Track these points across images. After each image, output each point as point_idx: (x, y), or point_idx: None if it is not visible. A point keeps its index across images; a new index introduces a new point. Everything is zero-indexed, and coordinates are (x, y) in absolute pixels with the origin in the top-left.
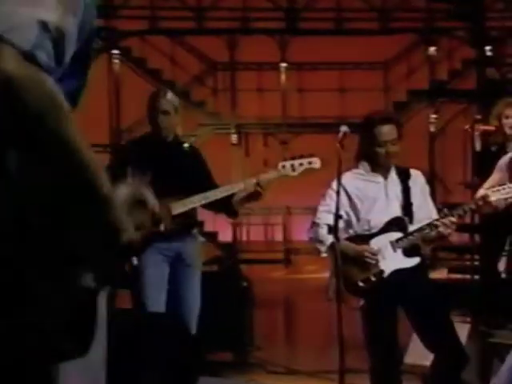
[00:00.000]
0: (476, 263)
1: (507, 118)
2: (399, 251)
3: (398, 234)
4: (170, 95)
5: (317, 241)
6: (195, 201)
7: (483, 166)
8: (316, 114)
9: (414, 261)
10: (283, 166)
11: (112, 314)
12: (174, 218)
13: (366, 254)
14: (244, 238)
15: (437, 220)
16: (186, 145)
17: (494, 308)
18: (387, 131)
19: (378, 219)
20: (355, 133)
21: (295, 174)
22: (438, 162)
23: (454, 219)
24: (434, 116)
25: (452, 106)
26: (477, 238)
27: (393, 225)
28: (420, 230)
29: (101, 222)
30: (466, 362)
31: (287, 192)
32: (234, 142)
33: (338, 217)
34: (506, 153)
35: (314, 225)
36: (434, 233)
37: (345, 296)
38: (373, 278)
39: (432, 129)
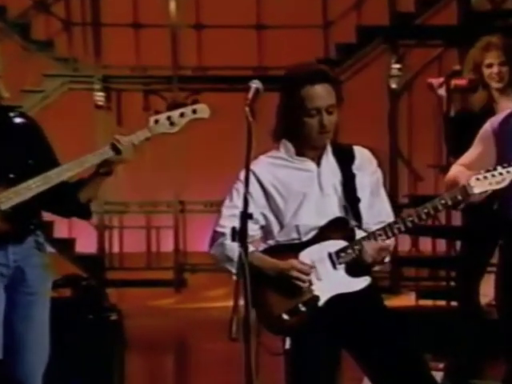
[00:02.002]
0: (454, 283)
1: (489, 66)
2: (341, 268)
3: (340, 244)
4: None
5: (223, 258)
6: (32, 186)
7: (462, 139)
8: (221, 64)
9: (363, 282)
10: (156, 121)
11: None
12: (3, 218)
13: (294, 272)
14: (115, 248)
15: (380, 229)
16: (13, 113)
17: (476, 349)
18: (320, 93)
19: (310, 223)
20: (277, 91)
21: (175, 129)
22: (403, 135)
23: (383, 245)
24: (396, 66)
25: (422, 50)
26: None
27: (331, 230)
28: (369, 237)
29: None
30: None
31: (180, 180)
32: (100, 103)
33: (245, 216)
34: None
35: (218, 235)
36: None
37: (260, 335)
38: (303, 309)
39: (393, 85)
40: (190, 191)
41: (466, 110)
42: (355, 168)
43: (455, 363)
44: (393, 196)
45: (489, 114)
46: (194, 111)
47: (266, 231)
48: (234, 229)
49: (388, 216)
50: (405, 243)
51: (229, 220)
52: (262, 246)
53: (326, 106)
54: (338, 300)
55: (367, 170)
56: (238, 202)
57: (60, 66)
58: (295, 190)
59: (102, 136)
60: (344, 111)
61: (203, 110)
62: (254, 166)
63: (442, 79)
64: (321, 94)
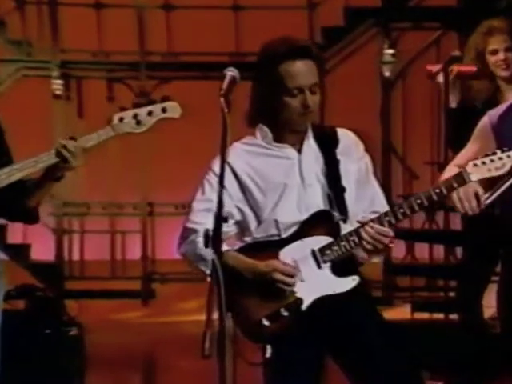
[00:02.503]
0: (453, 294)
1: (494, 52)
2: (326, 267)
3: (324, 240)
4: None
5: (195, 258)
6: None
7: (463, 133)
8: (193, 49)
9: (351, 282)
10: (121, 119)
11: None
12: None
13: (276, 275)
14: (75, 255)
15: (361, 226)
16: None
17: (478, 367)
18: (303, 71)
19: (291, 217)
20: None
21: (142, 129)
22: (397, 128)
23: (384, 230)
24: (389, 52)
25: (418, 34)
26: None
27: (314, 225)
28: (356, 231)
29: None
30: None
31: (148, 179)
32: (58, 92)
33: (220, 219)
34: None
35: (189, 232)
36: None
37: (237, 345)
38: (285, 313)
39: (386, 72)
40: (159, 191)
41: (468, 101)
42: (339, 153)
43: (455, 382)
44: (386, 196)
45: (492, 107)
46: (164, 110)
47: (242, 227)
48: (207, 233)
49: (382, 206)
50: (399, 249)
51: (201, 215)
52: (238, 244)
53: (309, 85)
54: (323, 303)
55: (353, 155)
56: (212, 194)
57: (12, 49)
58: (274, 180)
59: (61, 129)
60: (331, 102)
61: (174, 109)
62: (228, 155)
63: (440, 66)
64: (303, 71)
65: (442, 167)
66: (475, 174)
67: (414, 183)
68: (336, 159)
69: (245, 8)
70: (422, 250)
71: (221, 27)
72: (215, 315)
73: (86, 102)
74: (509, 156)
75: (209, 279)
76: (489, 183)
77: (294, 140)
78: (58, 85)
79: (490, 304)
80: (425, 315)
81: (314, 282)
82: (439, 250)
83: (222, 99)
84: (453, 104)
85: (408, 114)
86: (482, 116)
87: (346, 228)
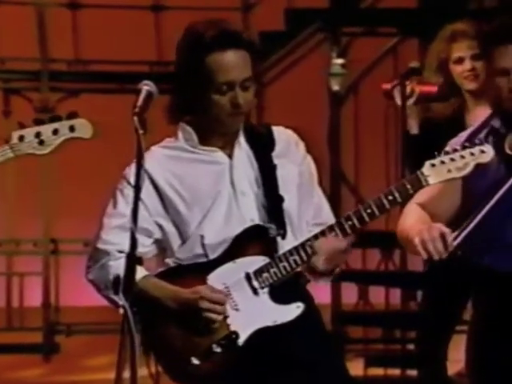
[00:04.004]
0: (413, 347)
1: (459, 61)
2: (264, 293)
3: (260, 261)
4: None
5: (107, 285)
6: None
7: (421, 158)
8: (106, 56)
9: (295, 310)
10: (21, 138)
11: None
12: None
13: (203, 303)
14: None
15: (303, 243)
16: None
17: None
18: (234, 63)
19: (219, 233)
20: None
21: (46, 150)
22: (347, 152)
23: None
24: (338, 61)
25: (372, 41)
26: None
27: (248, 243)
28: (296, 250)
29: None
30: None
31: (51, 211)
32: None
33: (132, 259)
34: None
35: (99, 254)
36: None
37: None
38: (217, 350)
39: (335, 86)
40: (64, 225)
41: (429, 121)
42: (276, 156)
43: None
44: None
45: (457, 127)
46: (72, 128)
47: (163, 246)
48: (116, 279)
49: (329, 217)
50: (350, 294)
51: (114, 233)
52: (158, 268)
53: (240, 80)
54: (263, 335)
55: (292, 156)
56: (125, 208)
57: None
58: (201, 190)
59: None
60: (270, 120)
61: (83, 128)
62: (146, 160)
63: (395, 82)
64: (234, 63)
65: None
66: (433, 177)
67: None
68: (272, 164)
69: (167, 8)
70: (377, 295)
71: (139, 31)
72: (127, 373)
73: None
74: (472, 154)
75: (121, 311)
76: (455, 220)
77: (223, 143)
78: None
79: (456, 358)
80: (380, 371)
81: (251, 312)
82: (397, 295)
83: (135, 118)
84: (413, 130)
85: (360, 135)
86: (446, 139)
87: (284, 245)
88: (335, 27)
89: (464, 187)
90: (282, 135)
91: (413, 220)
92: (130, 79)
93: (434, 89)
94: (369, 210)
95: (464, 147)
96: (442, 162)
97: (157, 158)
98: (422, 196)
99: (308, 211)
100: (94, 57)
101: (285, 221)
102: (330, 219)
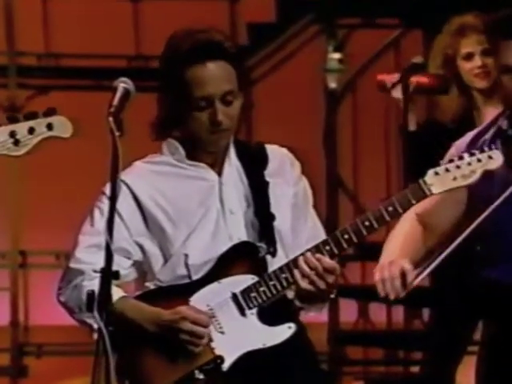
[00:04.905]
0: (419, 369)
1: (468, 57)
2: (252, 314)
3: (248, 279)
4: None
5: (80, 307)
6: None
7: (428, 164)
8: (79, 50)
9: (285, 332)
10: None
11: None
12: None
13: (185, 324)
14: None
15: (295, 259)
16: None
17: None
18: (213, 75)
19: (206, 252)
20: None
21: (21, 151)
22: (345, 155)
23: (329, 262)
24: (335, 56)
25: (372, 34)
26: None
27: (235, 261)
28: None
29: None
30: None
31: (20, 221)
32: None
33: (109, 274)
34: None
35: (72, 274)
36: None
37: None
38: (200, 376)
39: (331, 83)
40: (34, 236)
41: (434, 122)
42: (269, 174)
43: None
44: None
45: (466, 127)
46: (50, 127)
47: (144, 268)
48: (90, 295)
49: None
50: (349, 311)
51: (89, 252)
52: (137, 291)
53: (220, 94)
54: (250, 360)
55: (286, 176)
56: (102, 225)
57: None
58: (188, 206)
59: None
60: (259, 121)
61: (63, 126)
62: (127, 176)
63: (396, 76)
64: (214, 75)
65: None
66: (437, 186)
67: None
68: (264, 181)
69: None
70: (378, 312)
71: (116, 22)
72: None
73: None
74: (479, 160)
75: (95, 335)
76: (458, 227)
77: (212, 159)
78: None
79: (465, 381)
80: None
81: (238, 335)
82: (400, 312)
83: (110, 119)
84: (411, 126)
85: (360, 136)
86: (451, 139)
87: (274, 263)
88: (331, 18)
89: (470, 190)
90: (276, 154)
91: (397, 242)
92: (106, 75)
93: (432, 80)
94: (367, 223)
95: (471, 154)
96: (447, 170)
97: (140, 174)
98: (423, 205)
99: (301, 234)
100: (66, 50)
101: (275, 239)
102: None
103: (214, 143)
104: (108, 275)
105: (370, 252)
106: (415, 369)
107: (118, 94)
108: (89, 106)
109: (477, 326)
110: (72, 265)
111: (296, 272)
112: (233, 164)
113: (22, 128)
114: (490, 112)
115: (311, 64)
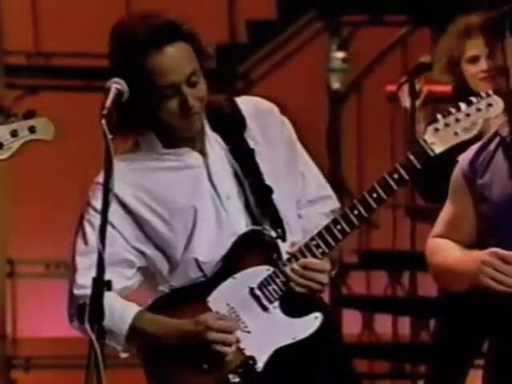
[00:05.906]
0: (423, 382)
1: (474, 60)
2: (275, 308)
3: (263, 271)
4: None
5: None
6: None
7: (438, 176)
8: (70, 49)
9: (313, 322)
10: None
11: None
12: None
13: (208, 334)
14: None
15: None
16: None
17: None
18: (173, 60)
19: (215, 247)
20: None
21: (4, 155)
22: (349, 158)
23: (317, 263)
24: (338, 55)
25: (378, 31)
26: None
27: (244, 253)
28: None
29: None
30: None
31: (7, 229)
32: None
33: (100, 256)
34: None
35: (77, 301)
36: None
37: None
38: (235, 380)
39: (335, 83)
40: (22, 244)
41: None
42: (250, 136)
43: None
44: None
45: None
46: (32, 129)
47: (151, 273)
48: (81, 306)
49: (321, 190)
50: (354, 323)
51: (89, 275)
52: (150, 297)
53: (184, 77)
54: (282, 355)
55: (268, 132)
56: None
57: None
58: (179, 202)
59: None
60: None
61: (45, 129)
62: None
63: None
64: (174, 61)
65: (410, 212)
66: (439, 143)
67: (372, 234)
68: (249, 150)
69: None
70: (383, 324)
71: (108, 20)
72: None
73: None
74: (478, 109)
75: (125, 355)
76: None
77: (190, 142)
78: None
79: None
80: None
81: (265, 332)
82: (406, 324)
83: (103, 121)
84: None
85: (364, 139)
86: (462, 146)
87: (286, 246)
88: (335, 15)
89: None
90: (250, 107)
91: (438, 258)
92: (97, 75)
93: (448, 89)
94: (374, 194)
95: (468, 103)
96: (447, 125)
97: (119, 174)
98: (438, 228)
99: (309, 188)
100: (56, 49)
101: (279, 216)
102: (326, 190)
103: (189, 128)
104: (100, 285)
105: (375, 260)
106: (422, 382)
107: (111, 95)
108: (78, 107)
109: (485, 338)
110: (76, 292)
111: (290, 277)
112: (211, 140)
113: (5, 131)
114: (497, 119)
115: (314, 63)
